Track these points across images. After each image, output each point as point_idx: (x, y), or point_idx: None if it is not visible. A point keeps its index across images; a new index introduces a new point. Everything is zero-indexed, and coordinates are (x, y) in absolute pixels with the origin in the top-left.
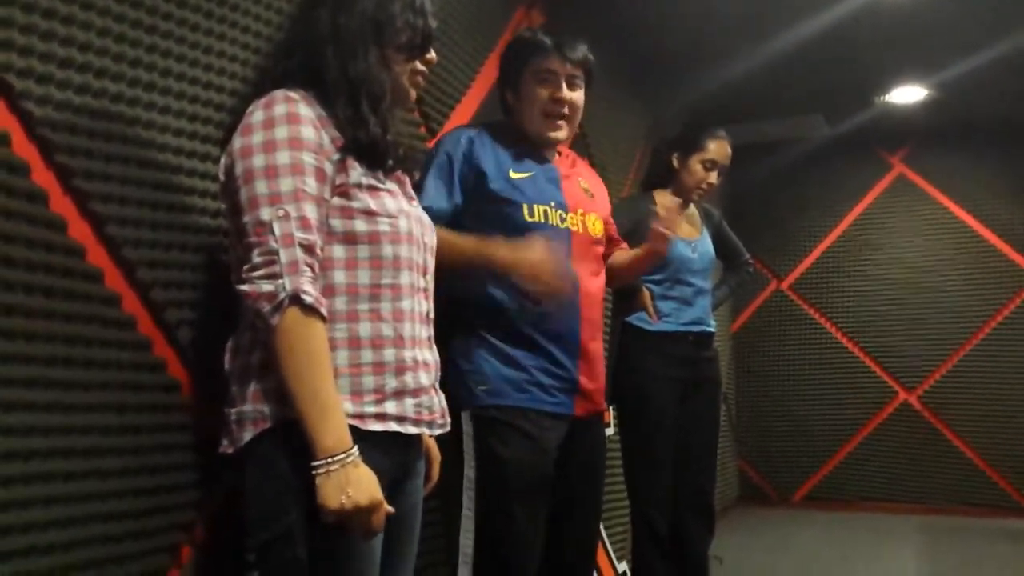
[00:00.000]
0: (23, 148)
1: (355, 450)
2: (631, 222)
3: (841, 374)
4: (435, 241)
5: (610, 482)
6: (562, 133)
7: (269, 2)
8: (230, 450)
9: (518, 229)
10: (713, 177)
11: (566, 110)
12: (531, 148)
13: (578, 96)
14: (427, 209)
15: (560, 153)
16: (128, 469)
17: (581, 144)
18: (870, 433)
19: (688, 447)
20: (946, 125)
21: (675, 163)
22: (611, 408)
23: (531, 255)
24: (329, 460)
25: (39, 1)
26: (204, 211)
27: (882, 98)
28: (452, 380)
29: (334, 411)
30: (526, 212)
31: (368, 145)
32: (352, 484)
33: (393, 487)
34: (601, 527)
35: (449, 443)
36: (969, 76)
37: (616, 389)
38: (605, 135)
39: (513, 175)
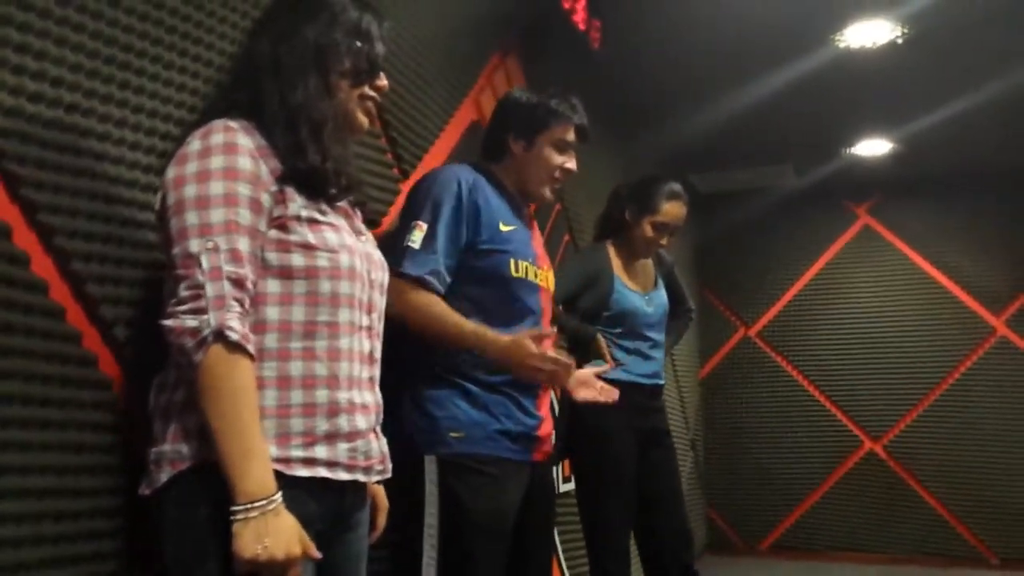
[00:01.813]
0: None
1: (278, 497)
2: (585, 277)
3: (808, 422)
4: (386, 279)
5: (578, 527)
6: (552, 196)
7: (233, 36)
8: (147, 492)
9: (504, 282)
10: (664, 239)
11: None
12: (514, 200)
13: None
14: (435, 272)
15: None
16: (67, 512)
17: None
18: (836, 482)
19: (659, 496)
20: (911, 178)
21: (628, 218)
22: (567, 460)
23: (527, 351)
24: (249, 506)
25: None
26: None
27: (849, 150)
28: (420, 426)
29: (258, 453)
30: (512, 267)
31: (306, 172)
32: (271, 534)
33: (323, 536)
34: (567, 574)
35: (402, 491)
36: (933, 131)
37: (571, 439)
38: (577, 182)
39: (503, 228)
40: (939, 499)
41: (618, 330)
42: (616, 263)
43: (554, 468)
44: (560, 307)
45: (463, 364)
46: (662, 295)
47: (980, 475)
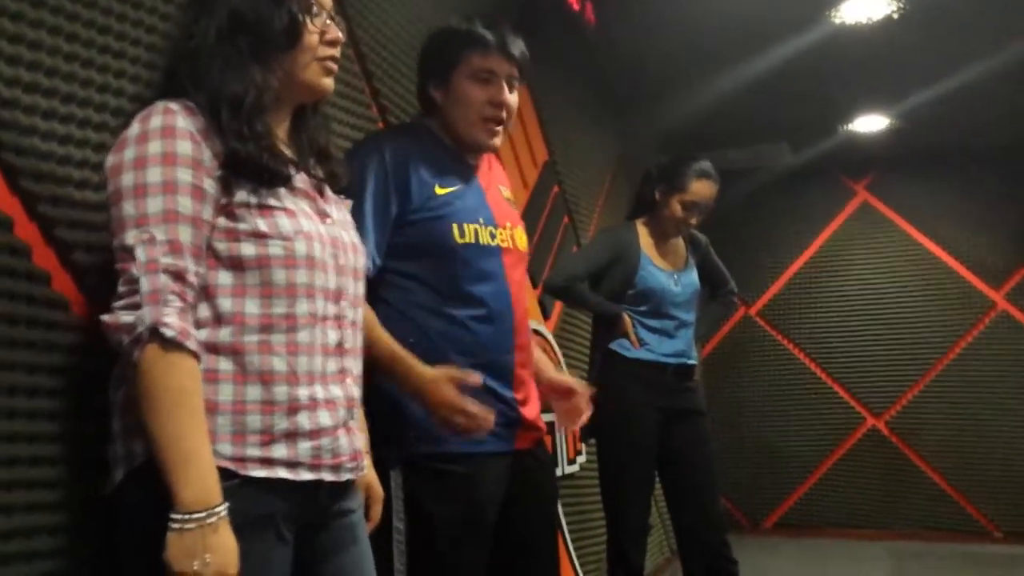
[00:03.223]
0: None
1: (220, 509)
2: (612, 254)
3: (810, 400)
4: (359, 262)
5: (584, 509)
6: (499, 139)
7: None
8: (106, 491)
9: (448, 252)
10: (693, 218)
11: (504, 114)
12: (453, 157)
13: (515, 98)
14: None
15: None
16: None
17: (551, 172)
18: (839, 459)
19: (684, 475)
20: (908, 153)
21: (657, 197)
22: (589, 440)
23: (439, 397)
24: (187, 517)
25: None
26: None
27: (846, 127)
28: (386, 429)
29: (197, 460)
30: (456, 233)
31: (244, 159)
32: (207, 552)
33: (304, 528)
34: (575, 557)
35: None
36: (930, 106)
37: (593, 419)
38: (575, 163)
39: (439, 191)
40: (942, 474)
41: (643, 308)
42: (646, 241)
43: (559, 449)
44: (585, 283)
45: (427, 356)
46: (692, 276)
47: (983, 449)
